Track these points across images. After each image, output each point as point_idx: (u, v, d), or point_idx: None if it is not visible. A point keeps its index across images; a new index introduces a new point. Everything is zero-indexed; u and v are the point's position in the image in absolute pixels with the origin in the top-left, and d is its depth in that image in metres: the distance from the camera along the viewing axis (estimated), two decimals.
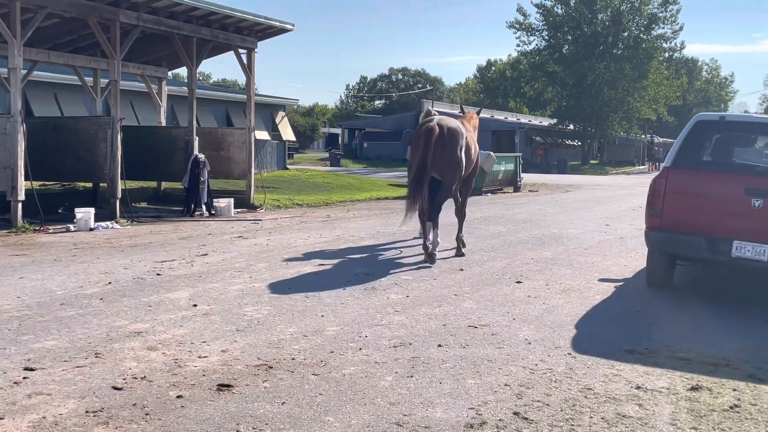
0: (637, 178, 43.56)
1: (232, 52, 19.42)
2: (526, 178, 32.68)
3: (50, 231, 13.64)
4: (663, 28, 61.19)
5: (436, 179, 11.03)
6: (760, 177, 8.69)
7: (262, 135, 35.02)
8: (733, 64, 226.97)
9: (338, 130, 77.74)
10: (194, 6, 16.59)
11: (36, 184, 15.00)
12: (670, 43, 63.20)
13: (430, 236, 10.89)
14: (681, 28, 61.57)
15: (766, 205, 8.22)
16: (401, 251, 11.84)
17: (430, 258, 10.75)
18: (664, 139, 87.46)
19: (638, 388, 5.60)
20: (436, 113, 12.01)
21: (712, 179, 8.88)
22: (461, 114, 13.66)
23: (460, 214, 12.33)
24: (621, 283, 9.75)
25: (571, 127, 63.79)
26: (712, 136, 9.58)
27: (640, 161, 69.74)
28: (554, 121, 65.25)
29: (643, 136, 72.63)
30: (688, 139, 9.10)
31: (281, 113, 42.31)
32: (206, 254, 11.19)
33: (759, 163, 9.79)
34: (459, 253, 11.60)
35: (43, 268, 9.79)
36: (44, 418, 4.69)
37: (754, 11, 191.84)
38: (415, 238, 13.21)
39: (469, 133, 11.77)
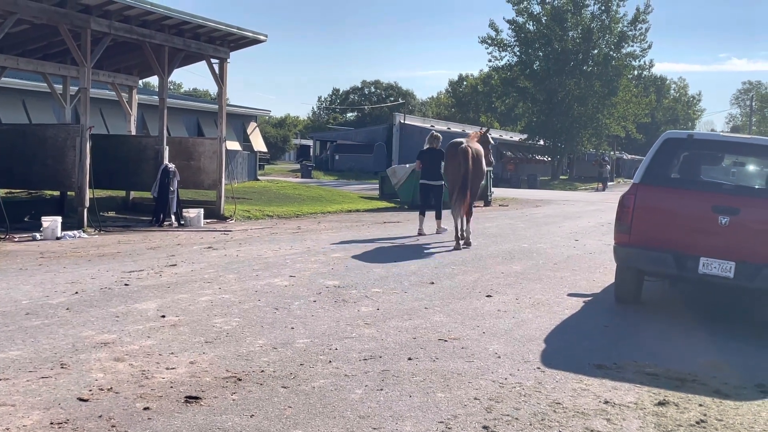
0: (605, 194, 43.97)
1: (204, 61, 19.34)
2: (497, 192, 32.85)
3: (16, 239, 13.44)
4: (632, 46, 61.99)
5: (432, 187, 16.32)
6: (727, 195, 8.83)
7: (234, 145, 34.89)
8: (700, 83, 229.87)
9: (310, 142, 77.63)
10: (167, 15, 16.52)
11: (2, 191, 14.81)
12: (639, 61, 63.96)
13: (441, 227, 16.21)
14: (650, 47, 62.40)
15: (732, 223, 8.35)
16: (372, 264, 11.83)
17: (458, 244, 14.27)
18: (633, 155, 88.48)
19: (606, 402, 5.64)
20: (439, 135, 16.59)
21: (680, 196, 9.00)
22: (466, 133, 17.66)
23: (470, 214, 15.24)
24: (590, 298, 9.83)
25: (542, 142, 64.30)
26: (680, 154, 9.71)
27: (609, 178, 70.46)
28: (525, 136, 65.68)
29: (612, 152, 73.41)
30: (657, 156, 9.21)
31: (253, 124, 42.20)
32: (175, 265, 11.10)
33: (726, 181, 9.93)
34: (468, 242, 14.66)
35: (8, 277, 9.64)
36: (7, 429, 4.61)
37: (721, 32, 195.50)
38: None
39: (483, 152, 15.06)
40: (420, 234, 16.29)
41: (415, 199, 25.48)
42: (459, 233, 14.35)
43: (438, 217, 16.65)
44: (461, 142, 14.52)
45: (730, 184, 9.67)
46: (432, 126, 64.44)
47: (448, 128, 65.39)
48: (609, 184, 56.64)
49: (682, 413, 5.50)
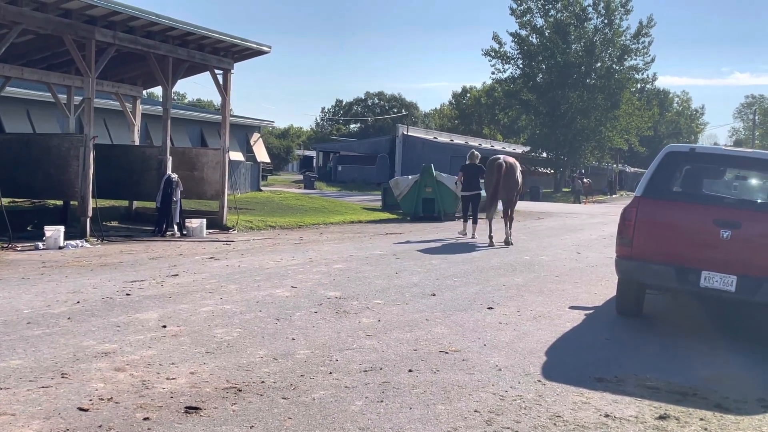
0: (608, 207, 43.94)
1: (208, 72, 19.41)
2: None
3: (18, 248, 13.46)
4: (635, 59, 62.07)
5: (472, 197, 19.18)
6: (729, 208, 8.81)
7: (237, 156, 34.98)
8: (703, 97, 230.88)
9: (313, 153, 77.78)
10: (171, 26, 16.59)
11: (5, 200, 14.81)
12: (642, 74, 64.04)
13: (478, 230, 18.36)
14: (653, 60, 62.48)
15: (734, 236, 8.34)
16: (373, 275, 11.82)
17: (491, 242, 17.31)
18: (635, 168, 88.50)
19: (607, 416, 5.63)
20: (478, 154, 19.66)
21: (682, 209, 9.00)
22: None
23: (511, 219, 18.04)
24: (591, 311, 9.82)
25: (544, 155, 64.33)
26: (682, 167, 9.71)
27: (612, 191, 70.42)
28: (528, 148, 65.75)
29: (614, 164, 73.39)
30: (659, 169, 9.21)
31: (256, 134, 42.29)
32: (177, 275, 11.11)
33: (727, 195, 9.93)
34: (508, 242, 17.45)
35: (10, 286, 9.65)
36: None
37: (724, 46, 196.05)
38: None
39: (518, 166, 18.09)
40: (473, 237, 18.69)
41: (417, 211, 25.53)
42: (491, 233, 17.46)
43: (475, 222, 19.14)
44: (498, 157, 17.57)
45: (732, 197, 9.66)
46: (435, 138, 64.65)
47: (451, 140, 65.60)
48: (593, 198, 55.26)
49: (683, 427, 5.49)
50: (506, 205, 17.78)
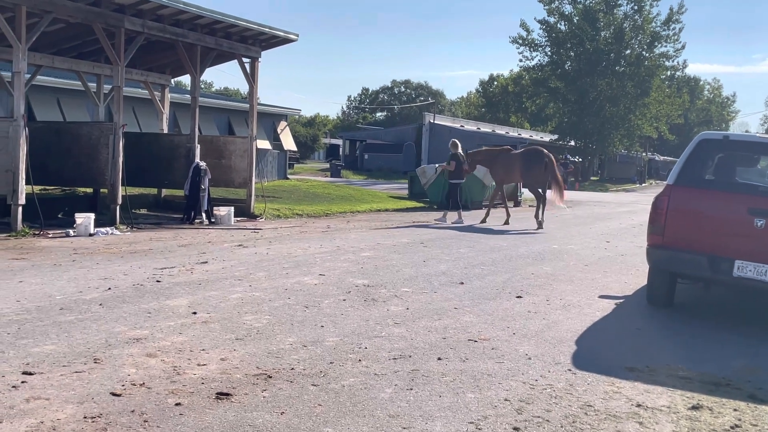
0: (637, 196, 43.53)
1: (235, 60, 19.47)
2: (527, 193, 32.65)
3: (50, 236, 13.61)
4: (665, 46, 61.27)
5: (458, 185, 20.17)
6: (763, 197, 8.68)
7: (264, 144, 35.04)
8: (734, 84, 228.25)
9: (339, 141, 77.73)
10: (199, 14, 16.63)
11: (37, 188, 14.99)
12: (673, 61, 63.29)
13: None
14: (683, 47, 61.67)
15: None
16: (401, 263, 11.81)
17: (540, 225, 18.77)
18: (665, 157, 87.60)
19: (639, 406, 5.58)
20: (459, 145, 20.48)
21: (715, 198, 8.87)
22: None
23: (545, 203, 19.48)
24: (622, 300, 9.73)
25: (573, 143, 63.84)
26: (715, 155, 9.56)
27: (641, 179, 69.74)
28: (555, 137, 65.27)
29: (643, 153, 72.66)
30: (692, 157, 9.09)
31: (283, 123, 42.34)
32: (206, 262, 11.17)
33: (762, 183, 9.78)
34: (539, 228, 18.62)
35: (43, 273, 9.77)
36: (42, 422, 4.66)
37: (754, 32, 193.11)
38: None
39: None
40: (440, 221, 19.58)
41: (444, 199, 25.48)
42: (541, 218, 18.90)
43: (457, 208, 19.96)
44: (542, 150, 19.64)
45: (766, 186, 9.51)
46: (462, 126, 64.39)
47: (478, 128, 65.27)
48: (576, 184, 53.45)
49: (716, 418, 5.42)
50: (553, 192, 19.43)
